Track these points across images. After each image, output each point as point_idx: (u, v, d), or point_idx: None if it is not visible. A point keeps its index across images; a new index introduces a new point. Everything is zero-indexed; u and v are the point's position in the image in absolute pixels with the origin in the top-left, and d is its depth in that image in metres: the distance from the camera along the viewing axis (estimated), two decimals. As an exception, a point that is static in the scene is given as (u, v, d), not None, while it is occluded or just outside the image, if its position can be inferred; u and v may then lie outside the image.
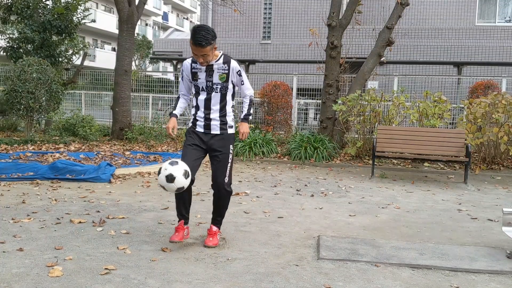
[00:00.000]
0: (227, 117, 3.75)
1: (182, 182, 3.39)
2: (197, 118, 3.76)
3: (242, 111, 3.90)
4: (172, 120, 3.80)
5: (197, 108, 3.77)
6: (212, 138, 3.73)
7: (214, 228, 3.84)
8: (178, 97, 3.92)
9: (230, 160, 3.75)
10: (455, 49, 16.52)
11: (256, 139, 9.43)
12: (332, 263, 3.48)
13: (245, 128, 3.86)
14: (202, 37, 3.42)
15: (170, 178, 3.35)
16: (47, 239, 3.80)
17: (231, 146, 3.78)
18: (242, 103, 3.90)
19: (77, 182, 6.28)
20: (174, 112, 3.84)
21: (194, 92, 3.79)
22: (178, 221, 3.83)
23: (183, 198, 3.78)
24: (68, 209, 4.81)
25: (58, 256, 3.40)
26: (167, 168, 3.39)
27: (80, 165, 6.92)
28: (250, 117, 3.90)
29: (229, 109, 3.77)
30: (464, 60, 15.95)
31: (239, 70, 3.73)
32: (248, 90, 3.85)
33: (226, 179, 3.73)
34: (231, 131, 3.79)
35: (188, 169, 3.44)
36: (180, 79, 3.87)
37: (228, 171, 3.73)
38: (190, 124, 3.83)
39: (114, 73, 10.97)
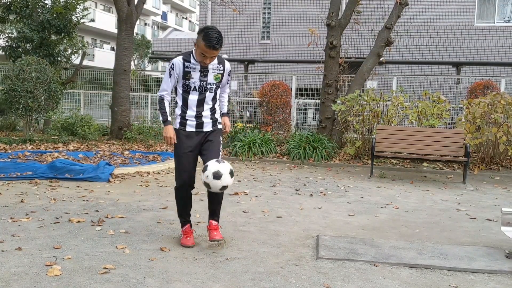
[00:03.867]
0: (216, 114, 3.80)
1: (217, 185, 3.44)
2: (187, 118, 3.68)
3: (222, 107, 3.92)
4: (171, 129, 3.69)
5: (185, 107, 3.67)
6: (204, 135, 3.75)
7: (214, 223, 3.80)
8: (162, 100, 3.71)
9: (220, 149, 3.80)
10: (454, 49, 16.54)
11: (255, 138, 9.42)
12: (331, 262, 3.48)
13: (228, 121, 3.93)
14: (216, 39, 3.43)
15: (217, 175, 3.41)
16: (45, 239, 3.80)
17: (221, 137, 3.84)
18: (221, 98, 3.89)
19: (76, 182, 6.28)
20: (169, 119, 3.72)
21: (181, 91, 3.67)
22: (183, 226, 3.84)
23: (186, 204, 3.83)
24: (67, 209, 4.81)
25: (57, 256, 3.40)
26: (213, 165, 3.45)
27: (79, 164, 6.91)
28: (230, 113, 4.01)
29: (217, 106, 3.82)
30: (463, 60, 15.96)
31: (230, 70, 3.82)
32: (228, 88, 3.99)
33: None
34: (220, 126, 3.84)
35: (217, 169, 3.43)
36: (166, 77, 3.68)
37: (220, 157, 3.72)
38: (178, 125, 3.71)
39: (113, 72, 10.96)
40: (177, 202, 3.83)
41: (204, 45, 3.45)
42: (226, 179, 3.44)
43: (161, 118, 3.79)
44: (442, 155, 7.62)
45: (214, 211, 3.84)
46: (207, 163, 3.51)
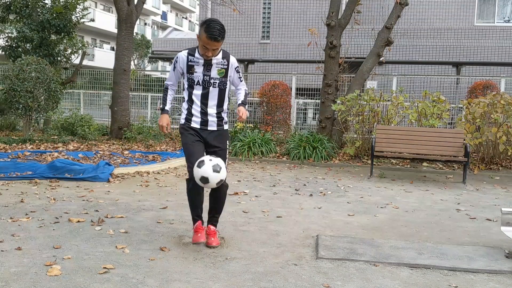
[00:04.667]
0: (223, 114, 3.76)
1: (216, 178, 3.40)
2: (192, 113, 3.69)
3: (238, 98, 3.83)
4: (165, 117, 3.76)
5: (191, 102, 3.69)
6: (210, 134, 3.72)
7: (212, 228, 3.80)
8: (166, 89, 3.82)
9: (227, 155, 3.78)
10: (454, 49, 16.54)
11: (255, 138, 9.42)
12: (330, 262, 3.48)
13: (243, 109, 3.75)
14: (217, 31, 3.41)
15: (216, 169, 3.38)
16: (45, 238, 3.79)
17: (227, 141, 3.81)
18: (237, 92, 3.86)
19: (76, 181, 6.27)
20: (166, 108, 3.77)
21: (186, 86, 3.70)
22: (195, 222, 3.78)
23: (199, 198, 3.74)
24: (66, 208, 4.81)
25: (57, 255, 3.39)
26: (196, 172, 3.41)
27: (79, 164, 6.91)
28: (246, 106, 3.87)
29: (225, 106, 3.78)
30: (463, 60, 15.97)
31: (238, 66, 3.76)
32: (244, 85, 3.89)
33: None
34: (226, 127, 3.81)
35: (216, 163, 3.40)
36: (171, 69, 3.78)
37: (225, 166, 3.72)
38: (183, 121, 3.75)
39: (112, 72, 10.96)
40: (189, 194, 3.73)
41: (205, 36, 3.44)
42: (223, 172, 3.43)
43: (160, 106, 3.81)
44: (442, 155, 7.62)
45: (214, 215, 3.81)
46: (202, 158, 3.45)
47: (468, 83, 12.81)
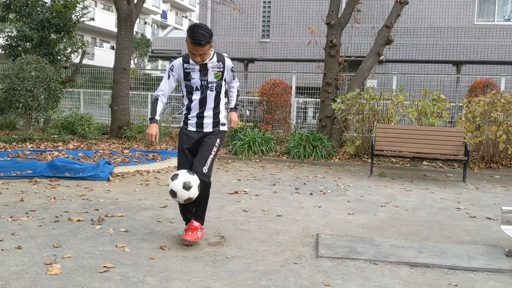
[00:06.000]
0: (220, 115, 3.77)
1: (184, 195, 3.42)
2: (189, 118, 3.75)
3: (230, 101, 3.93)
4: (154, 127, 3.67)
5: (189, 108, 3.72)
6: (204, 135, 3.74)
7: (195, 223, 3.73)
8: (156, 100, 3.71)
9: (213, 151, 3.68)
10: (454, 48, 16.53)
11: (255, 137, 9.42)
12: (330, 261, 3.48)
13: (235, 116, 3.89)
14: (201, 35, 3.38)
15: (187, 186, 3.41)
16: (45, 237, 3.80)
17: (218, 139, 3.75)
18: (229, 93, 3.94)
19: (76, 180, 6.28)
20: (155, 117, 3.68)
21: (185, 92, 3.71)
22: (186, 224, 3.82)
23: (182, 206, 3.78)
24: (66, 207, 4.81)
25: (57, 254, 3.40)
26: (168, 183, 3.48)
27: (79, 163, 6.91)
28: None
29: (222, 106, 3.79)
30: (463, 59, 15.96)
31: (232, 67, 3.78)
32: (237, 82, 3.94)
33: (205, 169, 3.59)
34: (223, 128, 3.81)
35: (188, 180, 3.42)
36: (165, 78, 3.71)
37: (209, 161, 3.63)
38: (182, 124, 3.82)
39: (112, 71, 10.95)
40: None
41: (190, 42, 3.43)
42: (193, 192, 3.44)
43: (149, 115, 3.81)
44: (442, 154, 7.62)
45: (198, 212, 3.78)
46: (178, 172, 3.50)
47: (468, 82, 12.80)
